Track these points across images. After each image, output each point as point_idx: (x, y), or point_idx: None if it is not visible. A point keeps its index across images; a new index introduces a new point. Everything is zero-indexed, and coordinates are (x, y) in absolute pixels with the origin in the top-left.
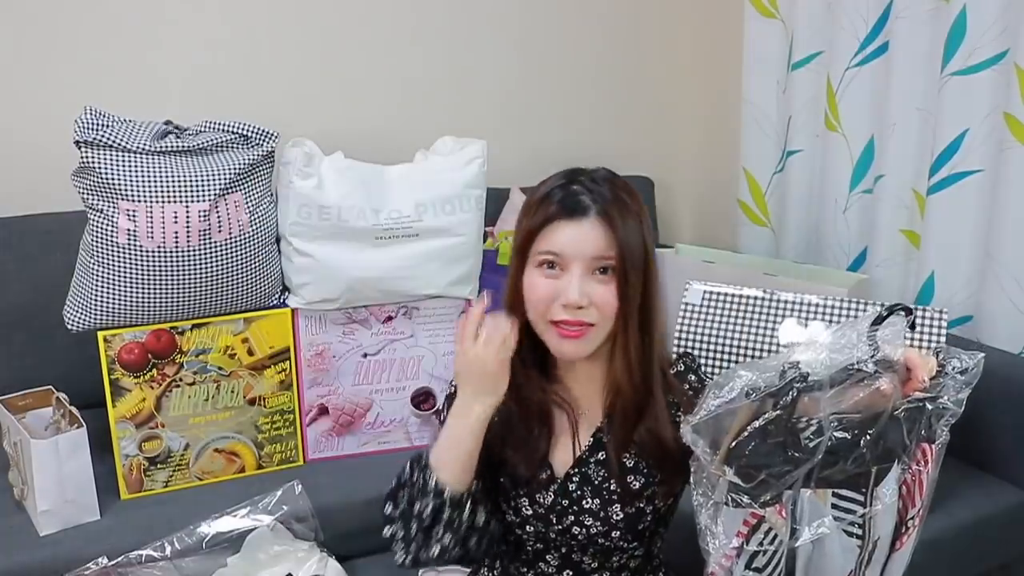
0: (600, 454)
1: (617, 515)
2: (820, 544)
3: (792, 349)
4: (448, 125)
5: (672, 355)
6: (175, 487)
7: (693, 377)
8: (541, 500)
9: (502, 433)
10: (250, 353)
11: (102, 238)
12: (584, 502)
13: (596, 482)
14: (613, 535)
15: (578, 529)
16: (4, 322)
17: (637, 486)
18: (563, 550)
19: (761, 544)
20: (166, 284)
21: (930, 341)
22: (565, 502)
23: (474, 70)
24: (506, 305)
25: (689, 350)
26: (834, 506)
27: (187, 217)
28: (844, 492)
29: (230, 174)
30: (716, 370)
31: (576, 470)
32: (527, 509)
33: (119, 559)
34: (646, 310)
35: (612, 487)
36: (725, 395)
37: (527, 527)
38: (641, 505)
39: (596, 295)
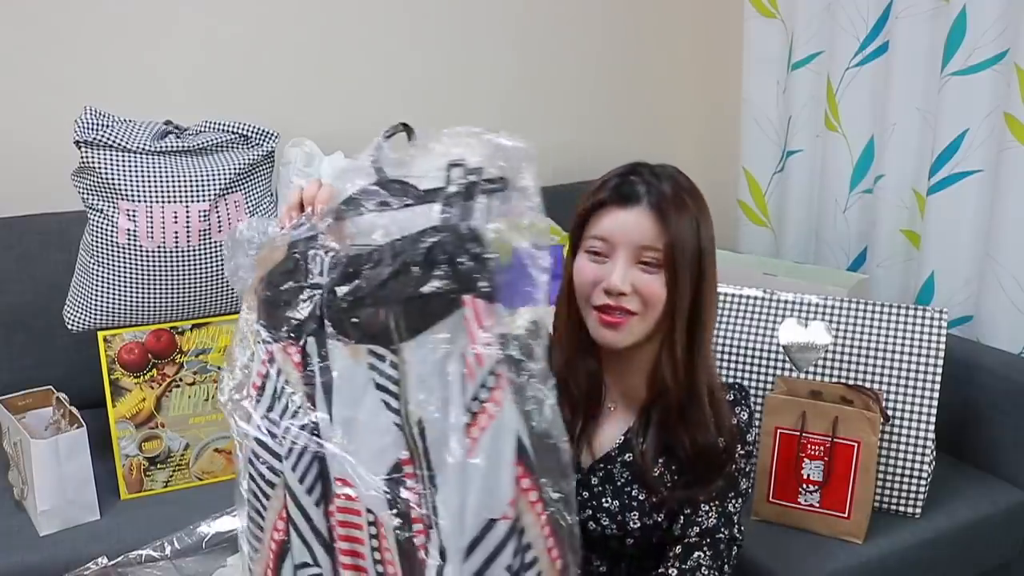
0: (628, 455)
1: (634, 523)
2: (354, 420)
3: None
4: (448, 125)
5: (721, 377)
6: (175, 487)
7: (744, 416)
8: None
9: None
10: None
11: (102, 238)
12: (604, 499)
13: (618, 483)
14: (627, 542)
15: (593, 525)
16: (4, 322)
17: (659, 498)
18: None
19: (276, 390)
20: (166, 284)
21: (930, 341)
22: (585, 494)
23: (474, 70)
24: (562, 292)
25: (740, 382)
26: (371, 367)
27: (187, 217)
28: (376, 349)
29: (230, 174)
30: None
31: (601, 465)
32: None
33: (119, 559)
34: (696, 314)
35: (634, 493)
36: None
37: None
38: (659, 519)
39: (640, 283)
